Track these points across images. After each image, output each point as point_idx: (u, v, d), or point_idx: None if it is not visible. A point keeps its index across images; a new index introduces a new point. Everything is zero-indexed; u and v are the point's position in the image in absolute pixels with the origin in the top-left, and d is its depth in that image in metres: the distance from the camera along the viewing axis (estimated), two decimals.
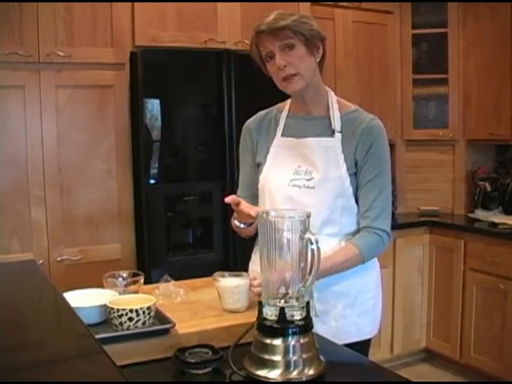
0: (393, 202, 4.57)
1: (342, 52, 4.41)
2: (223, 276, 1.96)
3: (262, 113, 2.29)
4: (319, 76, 2.13)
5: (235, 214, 2.10)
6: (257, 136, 2.24)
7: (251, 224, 2.07)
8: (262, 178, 2.19)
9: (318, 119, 2.13)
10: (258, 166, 2.23)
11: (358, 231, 2.10)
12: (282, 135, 2.17)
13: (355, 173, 2.07)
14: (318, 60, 2.08)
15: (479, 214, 4.42)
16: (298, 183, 2.08)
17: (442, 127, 4.65)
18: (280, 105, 2.25)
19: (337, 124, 2.08)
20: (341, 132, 2.08)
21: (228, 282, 1.92)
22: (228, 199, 1.98)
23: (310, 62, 2.04)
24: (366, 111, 2.17)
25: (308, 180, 2.07)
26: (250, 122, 2.29)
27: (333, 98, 2.15)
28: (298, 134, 2.13)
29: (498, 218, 4.23)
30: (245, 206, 1.97)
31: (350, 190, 2.06)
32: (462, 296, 4.17)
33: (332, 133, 2.08)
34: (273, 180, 2.14)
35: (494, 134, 4.30)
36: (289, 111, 2.20)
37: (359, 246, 2.03)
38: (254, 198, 2.22)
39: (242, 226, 2.11)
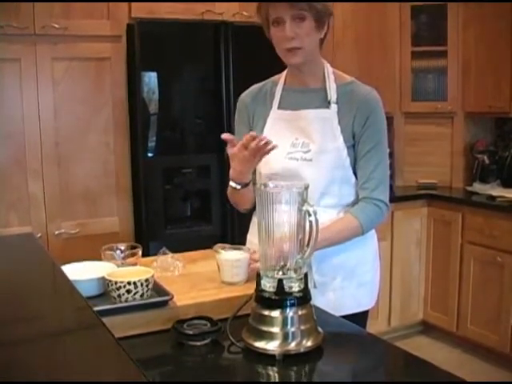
0: (391, 175, 4.56)
1: (341, 24, 4.36)
2: (224, 248, 1.96)
3: (256, 86, 2.26)
4: (318, 49, 2.11)
5: (231, 172, 2.05)
6: (253, 109, 2.22)
7: (247, 184, 2.06)
8: None
9: (315, 91, 2.11)
10: None
11: (356, 202, 2.11)
12: (279, 108, 2.15)
13: (353, 145, 2.07)
14: (321, 36, 2.06)
15: (477, 187, 4.42)
16: (296, 156, 2.08)
17: (441, 100, 4.62)
18: (275, 77, 2.23)
19: (333, 95, 2.08)
20: (337, 103, 2.07)
21: (228, 255, 1.92)
22: (225, 135, 1.97)
23: (315, 37, 2.03)
24: (365, 83, 2.15)
25: (305, 152, 2.06)
26: (245, 95, 2.27)
27: (329, 70, 2.13)
28: (295, 106, 2.12)
29: (496, 191, 4.23)
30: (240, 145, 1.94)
31: (348, 161, 2.06)
32: (460, 269, 4.19)
33: (328, 104, 2.08)
34: (270, 153, 2.13)
35: (493, 106, 4.28)
36: (284, 83, 2.18)
37: (359, 217, 2.04)
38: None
39: (237, 186, 2.06)
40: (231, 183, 2.09)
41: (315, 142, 2.05)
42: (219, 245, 2.00)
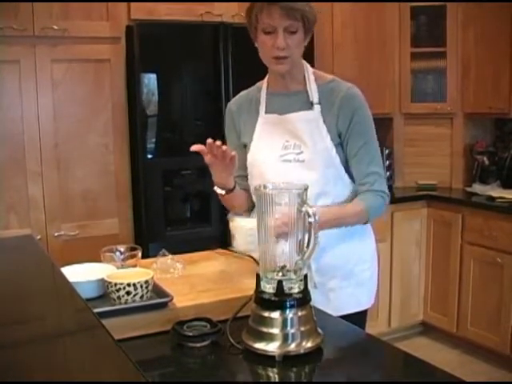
0: (391, 176, 4.58)
1: (340, 25, 4.37)
2: (240, 216, 1.89)
3: (243, 93, 2.29)
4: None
5: (214, 178, 2.09)
6: (239, 117, 2.24)
7: (231, 190, 2.10)
8: (250, 156, 2.19)
9: (297, 94, 2.13)
10: (244, 147, 2.23)
11: (349, 199, 2.12)
12: (266, 112, 2.17)
13: (340, 143, 2.09)
14: (305, 44, 2.07)
15: (477, 187, 4.42)
16: (289, 158, 2.09)
17: (441, 101, 4.62)
18: (259, 83, 2.25)
19: (314, 96, 2.09)
20: (319, 103, 2.08)
21: (244, 222, 1.86)
22: (194, 147, 1.96)
23: (303, 46, 2.06)
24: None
25: (298, 154, 2.08)
26: (232, 103, 2.30)
27: (309, 71, 2.14)
28: (280, 110, 2.13)
29: (495, 191, 4.23)
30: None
31: (338, 160, 2.08)
32: (460, 270, 4.19)
33: (311, 105, 2.08)
34: (262, 157, 2.14)
35: (492, 107, 4.28)
36: (267, 88, 2.19)
37: (365, 204, 2.05)
38: (244, 179, 2.24)
39: (222, 192, 2.11)
40: (216, 189, 2.12)
41: (306, 144, 2.07)
42: (233, 213, 1.95)
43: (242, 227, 1.85)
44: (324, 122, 2.07)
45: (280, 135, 2.11)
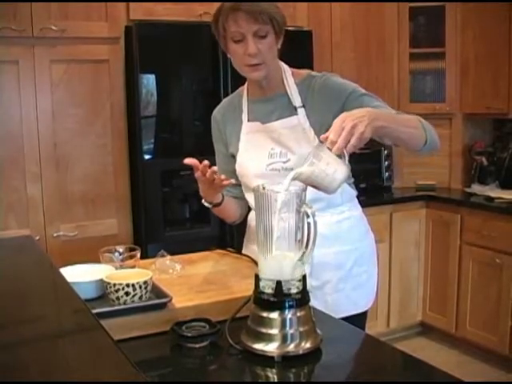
0: (390, 177, 4.58)
1: (339, 25, 4.37)
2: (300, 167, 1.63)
3: (226, 100, 2.28)
4: (277, 59, 2.09)
5: (201, 191, 2.07)
6: (224, 126, 2.22)
7: (219, 204, 2.09)
8: (237, 167, 2.17)
9: (278, 98, 2.09)
10: (232, 157, 2.21)
11: (341, 202, 2.10)
12: (249, 120, 2.14)
13: None
14: (279, 47, 2.04)
15: (476, 188, 4.42)
16: (276, 166, 2.06)
17: (439, 101, 4.62)
18: (239, 89, 2.23)
19: (296, 100, 2.05)
20: (303, 106, 2.05)
21: (311, 167, 1.61)
22: (187, 160, 1.92)
23: (275, 50, 2.02)
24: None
25: (285, 162, 2.04)
26: (216, 111, 2.27)
27: (287, 73, 2.10)
28: (262, 118, 2.10)
29: (494, 192, 4.23)
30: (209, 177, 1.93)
31: None
32: (458, 270, 4.19)
33: (294, 110, 2.05)
34: (249, 167, 2.12)
35: (491, 107, 4.28)
36: (248, 95, 2.17)
37: (415, 116, 1.97)
38: (236, 187, 2.22)
39: (209, 206, 2.11)
40: (203, 202, 2.11)
41: (292, 151, 2.03)
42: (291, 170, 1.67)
43: (315, 171, 1.60)
44: (311, 123, 2.03)
45: (265, 143, 2.08)
